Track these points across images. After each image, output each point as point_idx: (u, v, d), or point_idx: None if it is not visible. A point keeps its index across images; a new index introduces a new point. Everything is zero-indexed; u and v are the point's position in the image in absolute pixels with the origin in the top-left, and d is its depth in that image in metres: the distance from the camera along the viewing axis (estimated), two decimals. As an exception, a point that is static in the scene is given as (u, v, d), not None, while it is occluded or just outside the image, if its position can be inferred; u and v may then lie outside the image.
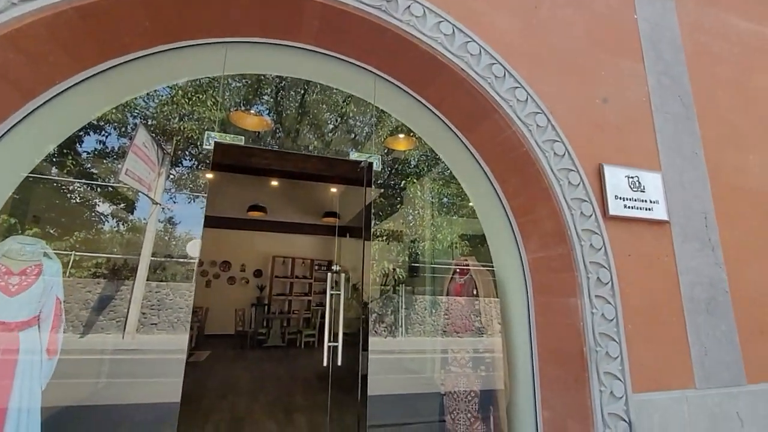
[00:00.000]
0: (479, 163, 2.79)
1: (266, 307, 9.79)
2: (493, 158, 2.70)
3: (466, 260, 2.95)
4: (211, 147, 2.18)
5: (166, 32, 2.12)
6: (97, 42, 1.95)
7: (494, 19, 2.56)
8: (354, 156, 2.62)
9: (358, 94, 2.89)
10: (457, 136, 2.78)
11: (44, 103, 1.96)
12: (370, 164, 2.58)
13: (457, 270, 2.93)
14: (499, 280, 2.91)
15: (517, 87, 2.45)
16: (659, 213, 2.59)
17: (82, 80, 2.04)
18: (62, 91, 2.00)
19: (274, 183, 8.46)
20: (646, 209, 2.56)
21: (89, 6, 1.77)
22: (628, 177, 2.58)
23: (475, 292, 2.79)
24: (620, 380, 2.18)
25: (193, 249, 2.90)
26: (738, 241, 2.75)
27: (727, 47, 3.23)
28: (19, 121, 1.91)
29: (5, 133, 1.85)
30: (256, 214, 9.51)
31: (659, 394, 2.26)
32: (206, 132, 2.21)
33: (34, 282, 1.94)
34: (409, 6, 2.31)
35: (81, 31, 1.85)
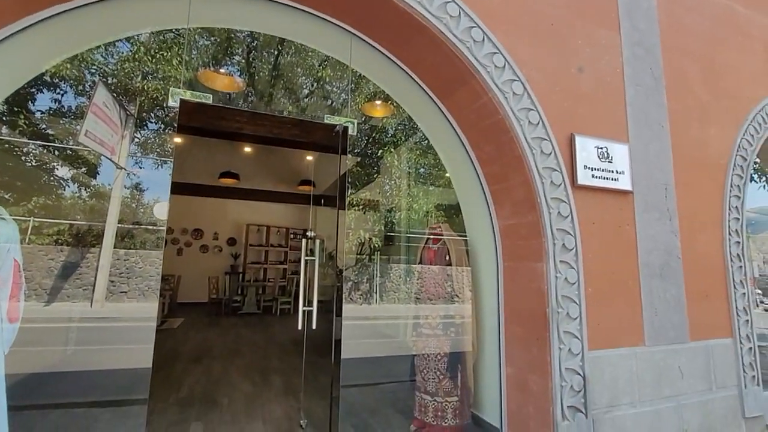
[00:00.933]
0: (455, 130, 2.79)
1: (241, 275, 9.72)
2: (469, 125, 2.70)
3: (439, 226, 3.01)
4: (177, 105, 2.06)
5: (121, -25, 1.94)
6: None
7: (475, -20, 2.48)
8: (329, 120, 2.55)
9: (333, 55, 2.78)
10: (434, 102, 2.74)
11: (-15, 49, 1.78)
12: (345, 128, 2.52)
13: (431, 237, 2.98)
14: (472, 247, 2.99)
15: (495, 53, 2.42)
16: (624, 183, 2.69)
17: (28, 26, 1.85)
18: (5, 38, 1.81)
19: (248, 149, 8.18)
20: (612, 179, 2.65)
21: (30, -62, 1.58)
22: (598, 148, 2.65)
23: (447, 258, 2.87)
24: (578, 338, 2.33)
25: (161, 211, 2.81)
26: (692, 211, 2.91)
27: (699, 20, 3.28)
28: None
29: (-59, 81, 1.68)
30: (228, 181, 9.25)
31: (611, 351, 2.45)
32: (171, 89, 2.08)
33: (-13, 244, 1.83)
34: (387, -40, 2.20)
35: (22, -33, 1.66)
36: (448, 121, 2.75)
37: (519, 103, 2.45)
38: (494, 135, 2.54)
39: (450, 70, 2.45)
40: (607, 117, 2.74)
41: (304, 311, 2.92)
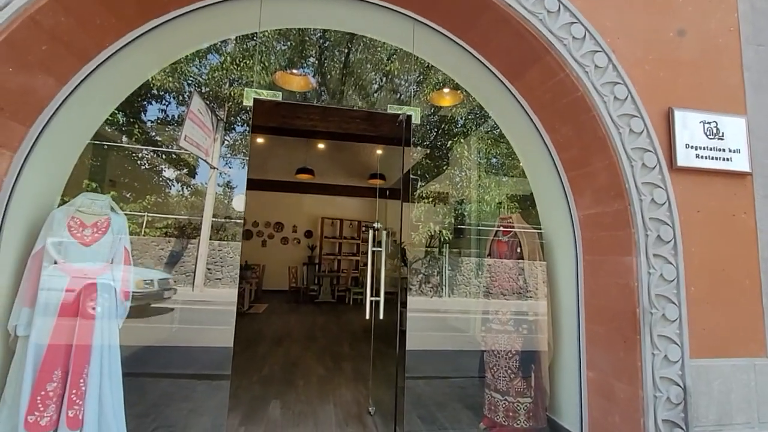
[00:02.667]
0: (527, 113, 2.58)
1: (317, 265, 10.27)
2: (542, 106, 2.48)
3: (510, 217, 2.83)
4: (251, 104, 2.21)
5: (201, -13, 2.12)
6: (139, 2, 2.00)
7: (549, -55, 2.25)
8: (393, 110, 2.53)
9: (395, 43, 2.75)
10: (504, 84, 2.57)
11: (98, 66, 2.08)
12: (409, 117, 2.48)
13: (501, 228, 2.82)
14: (547, 240, 2.77)
15: (573, 22, 2.18)
16: (740, 164, 2.26)
17: (130, 41, 2.12)
18: (113, 53, 2.10)
19: (321, 145, 8.57)
20: (723, 159, 2.24)
21: (128, -36, 1.80)
22: (704, 123, 2.25)
23: (519, 251, 2.69)
24: (677, 344, 2.03)
25: (239, 203, 3.04)
26: (841, 196, 2.34)
27: None
28: (78, 85, 2.05)
29: (67, 96, 2.00)
30: (304, 177, 9.77)
31: (722, 360, 2.09)
32: (245, 90, 2.24)
33: (105, 233, 2.15)
34: (449, -64, 2.09)
35: (123, -9, 1.90)
36: (520, 104, 2.56)
37: (602, 77, 2.18)
38: (572, 115, 2.29)
39: (521, 47, 2.27)
40: (717, 86, 2.32)
41: (371, 301, 2.98)
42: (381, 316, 2.91)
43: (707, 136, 2.25)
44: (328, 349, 4.73)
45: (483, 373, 2.79)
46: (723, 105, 2.30)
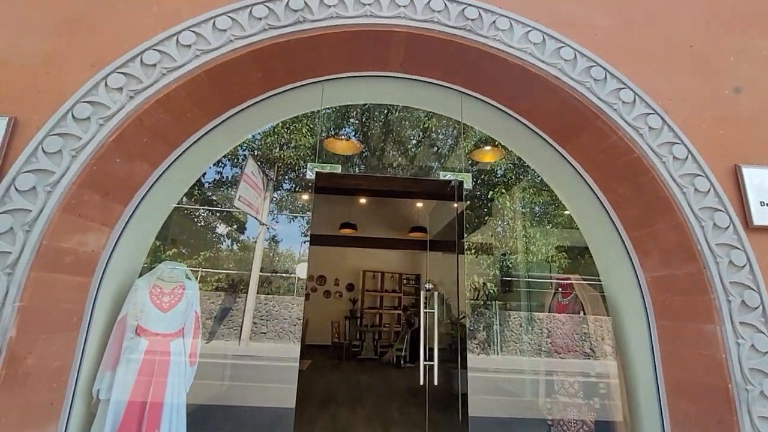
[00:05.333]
0: (579, 173, 2.59)
1: (359, 319, 10.18)
2: (596, 167, 2.48)
3: (568, 278, 2.73)
4: (313, 176, 2.40)
5: (273, 81, 2.41)
6: (221, 96, 2.31)
7: (588, 20, 2.39)
8: (445, 176, 2.63)
9: (443, 113, 2.92)
10: (553, 147, 2.62)
11: (184, 151, 2.37)
12: (461, 183, 2.56)
13: (560, 288, 2.72)
14: (610, 299, 2.63)
15: (621, 88, 2.24)
16: (826, 220, 2.09)
17: (210, 129, 2.41)
18: (196, 140, 2.39)
19: (363, 201, 8.88)
20: (805, 216, 2.09)
21: (215, 68, 2.11)
22: (777, 178, 2.15)
23: (582, 313, 2.56)
24: (784, 428, 1.79)
25: (301, 271, 3.18)
26: None
27: None
28: (167, 168, 2.33)
29: (159, 176, 2.28)
30: (347, 231, 10.04)
31: None
32: (308, 163, 2.45)
33: (180, 299, 2.32)
34: (494, 21, 2.28)
35: (209, 88, 2.21)
36: (572, 165, 2.58)
37: (658, 138, 2.17)
38: (629, 175, 2.27)
39: (569, 113, 2.34)
40: (787, 139, 2.23)
41: (425, 366, 2.90)
42: (436, 382, 2.82)
43: (782, 192, 2.12)
44: (376, 414, 4.55)
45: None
46: (796, 158, 2.20)
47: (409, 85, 2.68)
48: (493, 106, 2.64)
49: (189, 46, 2.06)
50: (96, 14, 2.09)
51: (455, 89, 2.64)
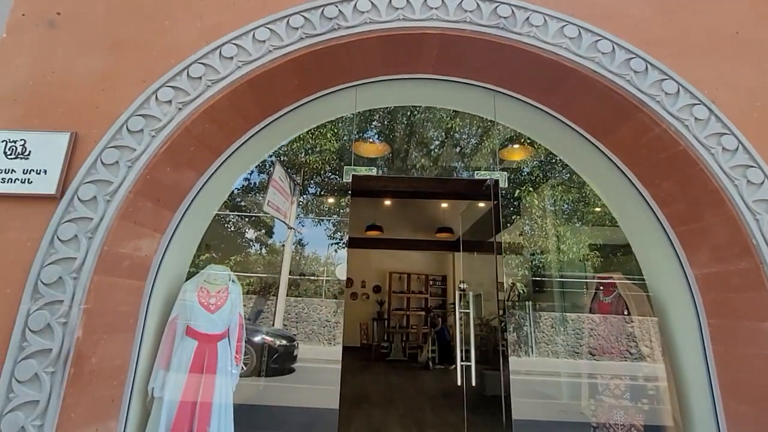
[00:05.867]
0: (620, 169, 2.52)
1: (386, 321, 10.20)
2: (638, 161, 2.41)
3: (611, 276, 2.66)
4: (350, 180, 2.45)
5: (309, 87, 2.48)
6: (261, 104, 2.39)
7: (625, 10, 2.33)
8: (480, 175, 2.62)
9: (476, 113, 2.91)
10: (590, 142, 2.56)
11: (226, 158, 2.46)
12: (496, 182, 2.55)
13: (601, 287, 2.65)
14: (656, 298, 2.54)
15: (664, 79, 2.17)
16: None
17: (250, 136, 2.50)
18: (237, 148, 2.49)
19: (388, 203, 8.91)
20: None
21: (256, 77, 2.19)
22: (839, 167, 2.02)
23: (626, 312, 2.49)
24: None
25: (341, 272, 3.24)
26: None
27: None
28: (211, 175, 2.43)
29: (204, 184, 2.38)
30: (373, 233, 10.09)
31: None
32: (344, 167, 2.50)
33: (225, 302, 2.41)
34: (528, 17, 2.26)
35: (250, 97, 2.29)
36: (611, 160, 2.51)
37: (705, 129, 2.09)
38: (674, 169, 2.20)
39: (608, 107, 2.28)
40: None
41: (461, 366, 2.89)
42: (474, 383, 2.80)
43: None
44: (409, 416, 4.55)
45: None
46: None
47: (441, 86, 2.69)
48: (527, 103, 2.61)
49: (231, 58, 2.15)
50: (145, 32, 2.22)
51: (488, 88, 2.63)
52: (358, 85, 2.60)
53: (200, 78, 2.11)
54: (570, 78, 2.30)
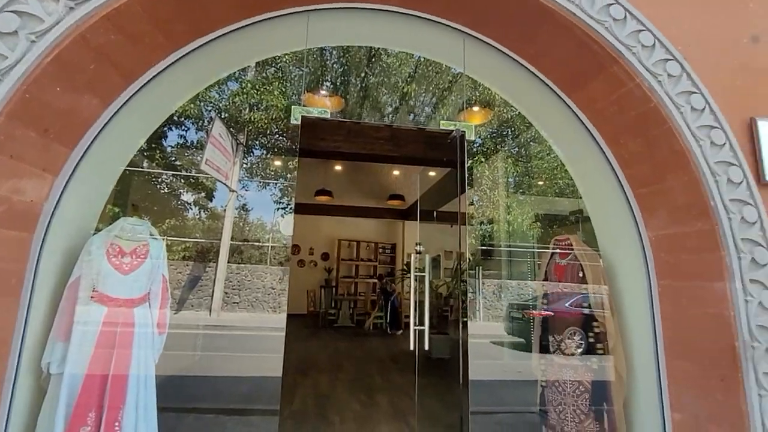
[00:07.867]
0: (585, 127, 2.42)
1: (334, 288, 10.04)
2: (605, 119, 2.31)
3: (567, 238, 2.63)
4: (299, 121, 2.09)
5: (249, 4, 2.04)
6: (189, 19, 1.93)
7: (608, -47, 2.15)
8: (444, 125, 2.39)
9: (443, 60, 2.65)
10: (559, 97, 2.42)
11: (141, 87, 1.99)
12: (463, 134, 2.34)
13: (558, 250, 2.62)
14: (607, 262, 2.56)
15: (641, 30, 2.04)
16: (834, 177, 2.05)
17: (175, 60, 2.04)
18: (158, 73, 2.01)
19: (338, 167, 8.51)
20: (815, 173, 2.03)
21: (180, -20, 1.73)
22: (790, 133, 2.06)
23: (581, 274, 2.48)
24: (787, 383, 1.77)
25: (287, 226, 2.89)
26: None
27: None
28: (120, 107, 1.96)
29: (113, 115, 1.91)
30: (323, 199, 9.69)
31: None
32: (293, 107, 2.13)
33: (144, 261, 2.01)
34: (508, -54, 2.00)
35: (173, 8, 1.83)
36: (578, 118, 2.40)
37: (676, 86, 2.02)
38: (642, 128, 2.13)
39: (583, 57, 2.13)
40: (802, 93, 2.14)
41: (415, 330, 2.77)
42: (427, 347, 2.70)
43: (794, 147, 2.05)
44: (358, 381, 4.47)
45: (543, 408, 2.54)
46: (808, 114, 2.11)
47: (407, 22, 2.37)
48: (499, 50, 2.39)
49: (144, -53, 1.66)
50: None
51: (459, 29, 2.36)
52: (310, 11, 2.20)
53: (100, -32, 1.61)
54: (548, 22, 2.09)
